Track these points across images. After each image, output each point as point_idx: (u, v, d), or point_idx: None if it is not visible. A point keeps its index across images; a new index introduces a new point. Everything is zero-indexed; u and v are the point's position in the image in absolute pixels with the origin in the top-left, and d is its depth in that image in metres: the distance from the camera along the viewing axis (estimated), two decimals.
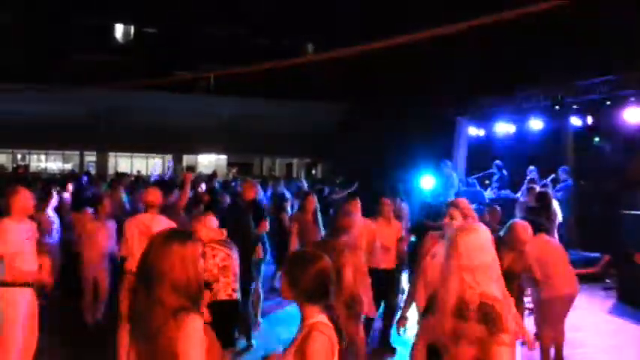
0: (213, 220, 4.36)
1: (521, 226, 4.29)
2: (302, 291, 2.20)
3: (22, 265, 4.20)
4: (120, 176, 10.07)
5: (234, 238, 4.60)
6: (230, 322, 4.24)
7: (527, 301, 5.54)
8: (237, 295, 4.25)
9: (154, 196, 5.13)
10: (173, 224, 4.97)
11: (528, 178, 10.62)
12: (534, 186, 8.79)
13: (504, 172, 11.74)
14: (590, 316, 6.96)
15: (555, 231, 8.07)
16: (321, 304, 2.21)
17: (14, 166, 26.02)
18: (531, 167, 10.89)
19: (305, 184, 11.58)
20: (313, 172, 30.59)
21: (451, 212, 3.88)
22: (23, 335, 4.25)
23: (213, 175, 14.88)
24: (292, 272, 2.25)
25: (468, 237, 2.48)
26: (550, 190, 8.83)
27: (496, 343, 2.34)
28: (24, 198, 4.34)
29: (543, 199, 6.55)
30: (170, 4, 27.18)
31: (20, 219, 4.31)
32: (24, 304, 4.21)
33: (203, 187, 9.03)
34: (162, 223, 4.89)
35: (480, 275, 2.43)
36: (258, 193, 7.64)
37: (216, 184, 10.35)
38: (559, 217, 8.58)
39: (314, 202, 6.74)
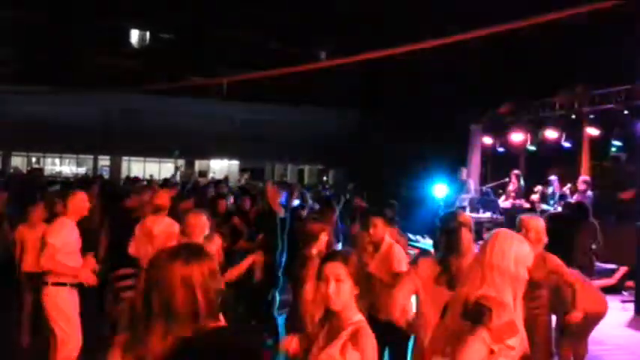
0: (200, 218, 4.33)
1: (529, 221, 3.99)
2: (358, 285, 2.30)
3: (69, 263, 4.46)
4: (133, 181, 10.10)
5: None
6: None
7: None
8: None
9: (163, 199, 5.24)
10: (174, 225, 5.08)
11: (537, 188, 10.53)
12: (572, 202, 8.56)
13: (522, 182, 11.61)
14: (607, 330, 6.81)
15: None
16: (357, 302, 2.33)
17: (29, 169, 26.31)
18: (552, 177, 10.75)
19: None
20: (325, 178, 30.56)
21: (374, 221, 4.22)
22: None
23: (225, 180, 14.91)
24: (355, 269, 2.33)
25: (505, 241, 2.33)
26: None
27: (470, 334, 2.14)
28: (79, 200, 4.64)
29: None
30: (185, 10, 27.41)
31: (75, 220, 4.62)
32: (74, 302, 4.49)
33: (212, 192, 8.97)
34: (162, 225, 5.11)
35: (499, 279, 2.26)
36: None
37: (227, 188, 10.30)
38: None
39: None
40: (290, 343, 2.46)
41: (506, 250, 2.30)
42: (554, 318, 4.94)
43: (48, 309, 4.39)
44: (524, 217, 4.18)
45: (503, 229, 2.44)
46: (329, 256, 2.41)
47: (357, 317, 2.29)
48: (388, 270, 4.08)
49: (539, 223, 4.04)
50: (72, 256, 4.49)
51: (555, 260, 4.04)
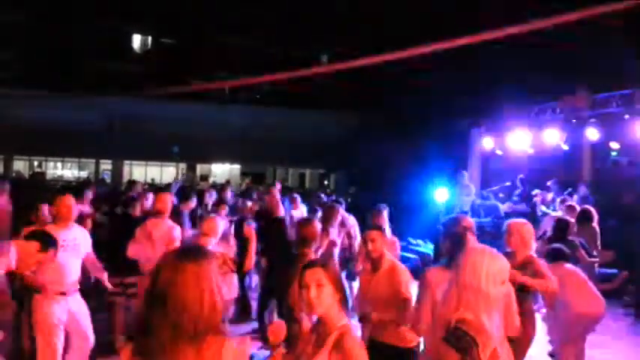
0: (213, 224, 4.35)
1: (513, 225, 4.01)
2: (342, 291, 2.34)
3: (48, 271, 4.21)
4: (132, 184, 10.09)
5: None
6: None
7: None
8: None
9: (162, 203, 5.26)
10: (174, 228, 5.09)
11: (536, 192, 10.51)
12: (572, 203, 8.55)
13: (524, 186, 11.58)
14: (607, 334, 6.81)
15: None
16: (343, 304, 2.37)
17: (31, 173, 26.34)
18: (550, 182, 10.73)
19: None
20: (326, 182, 30.55)
21: (372, 235, 3.78)
22: (73, 343, 4.40)
23: (227, 184, 14.89)
24: (336, 276, 2.35)
25: (476, 259, 2.36)
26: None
27: None
28: (64, 205, 4.45)
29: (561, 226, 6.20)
30: (187, 15, 27.50)
31: (63, 226, 4.43)
32: (58, 312, 4.28)
33: (213, 195, 8.92)
34: (164, 228, 5.13)
35: (473, 298, 2.29)
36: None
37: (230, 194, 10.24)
38: None
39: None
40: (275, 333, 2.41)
41: (477, 268, 2.32)
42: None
43: (32, 317, 4.31)
44: (510, 221, 4.21)
45: (476, 246, 2.46)
46: (308, 264, 2.44)
47: (342, 322, 2.29)
48: (393, 294, 3.68)
49: (524, 228, 4.05)
50: (55, 263, 4.22)
51: (538, 265, 3.97)
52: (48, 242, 3.80)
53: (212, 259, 1.93)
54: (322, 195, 10.04)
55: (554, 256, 4.99)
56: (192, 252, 1.92)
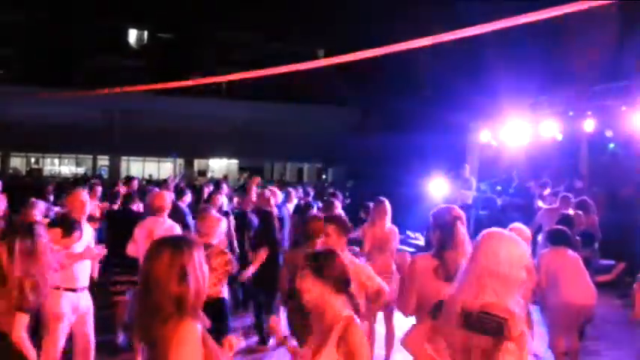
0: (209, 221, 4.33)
1: (515, 231, 3.99)
2: (331, 280, 2.31)
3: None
4: (129, 179, 10.04)
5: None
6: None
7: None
8: None
9: (160, 200, 5.20)
10: (174, 226, 5.06)
11: (532, 184, 10.52)
12: (568, 195, 8.56)
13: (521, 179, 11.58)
14: (603, 325, 6.83)
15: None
16: (346, 293, 2.33)
17: (28, 169, 26.31)
18: (545, 178, 10.73)
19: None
20: (324, 176, 30.54)
21: (327, 229, 3.61)
22: (77, 343, 4.35)
23: (224, 179, 14.89)
24: (319, 265, 2.35)
25: (497, 244, 2.28)
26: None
27: (500, 352, 2.12)
28: (78, 200, 4.38)
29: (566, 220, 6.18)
30: (184, 9, 27.38)
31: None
32: (66, 309, 4.23)
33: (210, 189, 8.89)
34: (164, 226, 5.06)
35: (492, 283, 2.20)
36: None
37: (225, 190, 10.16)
38: None
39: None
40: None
41: (499, 253, 2.23)
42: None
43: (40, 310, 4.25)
44: (511, 226, 4.18)
45: (493, 230, 2.35)
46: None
47: (345, 312, 2.30)
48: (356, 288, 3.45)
49: (521, 232, 4.04)
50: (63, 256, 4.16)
51: (528, 269, 3.97)
52: (70, 226, 3.75)
53: (193, 248, 2.01)
54: (308, 188, 10.10)
55: (555, 239, 4.96)
56: (171, 239, 2.06)
